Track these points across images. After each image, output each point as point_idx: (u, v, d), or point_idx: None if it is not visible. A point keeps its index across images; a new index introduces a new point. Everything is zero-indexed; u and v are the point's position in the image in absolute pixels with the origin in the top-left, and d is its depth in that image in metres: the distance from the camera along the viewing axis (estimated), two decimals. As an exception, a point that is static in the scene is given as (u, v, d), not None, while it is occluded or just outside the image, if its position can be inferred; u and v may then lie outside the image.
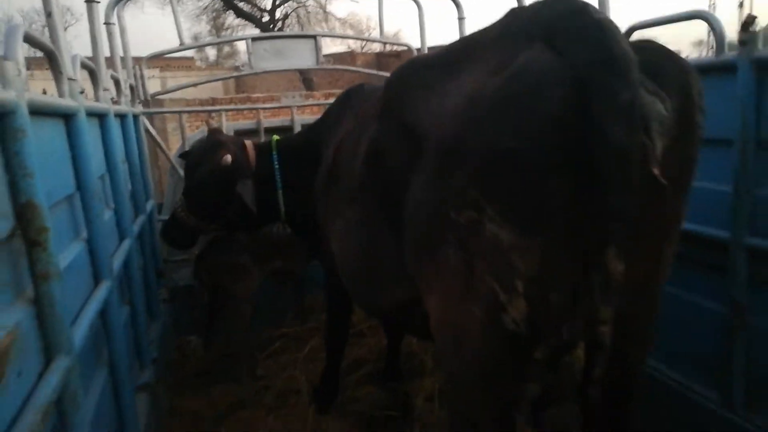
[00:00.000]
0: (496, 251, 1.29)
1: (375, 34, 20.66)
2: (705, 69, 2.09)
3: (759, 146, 1.94)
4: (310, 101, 4.83)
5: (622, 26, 2.47)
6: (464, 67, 1.47)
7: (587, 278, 1.26)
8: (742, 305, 2.02)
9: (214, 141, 2.96)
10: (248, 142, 3.00)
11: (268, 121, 4.42)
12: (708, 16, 2.06)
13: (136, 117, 3.44)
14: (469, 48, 1.54)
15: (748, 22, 1.90)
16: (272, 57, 4.17)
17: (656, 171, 1.23)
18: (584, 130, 1.18)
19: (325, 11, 24.57)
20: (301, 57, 4.17)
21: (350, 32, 24.38)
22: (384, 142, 1.74)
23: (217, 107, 5.38)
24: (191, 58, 29.34)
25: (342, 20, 25.73)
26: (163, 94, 4.39)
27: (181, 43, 4.01)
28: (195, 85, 4.61)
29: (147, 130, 3.80)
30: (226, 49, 31.26)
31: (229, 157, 2.78)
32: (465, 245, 1.35)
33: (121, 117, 2.92)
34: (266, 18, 23.33)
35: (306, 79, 19.02)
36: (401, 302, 1.85)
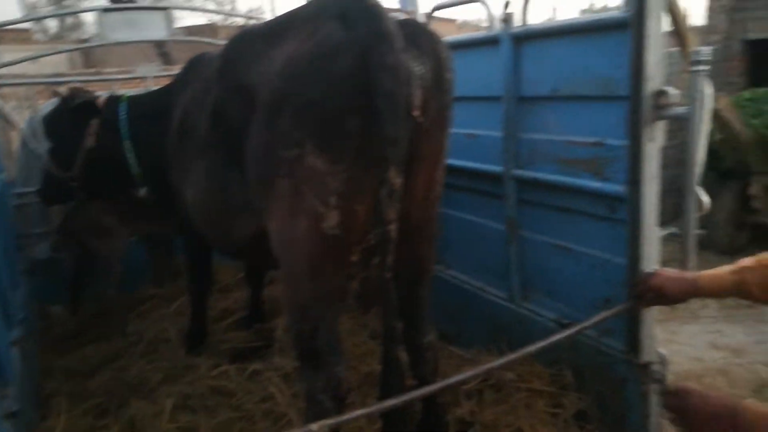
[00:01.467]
0: (314, 176, 1.76)
1: (237, 7, 20.20)
2: (477, 42, 2.70)
3: (519, 101, 2.57)
4: (167, 72, 4.79)
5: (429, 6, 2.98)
6: (285, 36, 1.91)
7: (379, 192, 1.76)
8: (514, 222, 2.69)
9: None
10: (103, 94, 3.21)
11: (123, 92, 4.47)
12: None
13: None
14: (288, 22, 1.98)
15: (507, 3, 2.51)
16: (123, 28, 4.22)
17: (416, 113, 1.75)
18: (367, 83, 1.66)
19: (181, -19, 23.30)
20: (153, 28, 4.27)
21: (211, 5, 23.49)
22: (225, 101, 2.12)
23: (68, 78, 5.27)
24: (27, 30, 26.32)
25: (198, -9, 24.57)
26: (11, 64, 4.26)
27: (26, 14, 3.95)
28: (43, 56, 4.52)
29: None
30: (70, 20, 28.43)
31: (66, 90, 3.01)
32: (293, 175, 1.80)
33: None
34: (115, -13, 21.61)
35: (163, 53, 18.09)
36: (251, 234, 2.25)
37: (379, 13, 1.70)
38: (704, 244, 5.86)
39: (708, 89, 3.80)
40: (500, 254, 2.79)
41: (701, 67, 1.78)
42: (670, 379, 1.79)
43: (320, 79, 1.71)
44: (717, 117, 4.85)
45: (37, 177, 3.46)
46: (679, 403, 1.37)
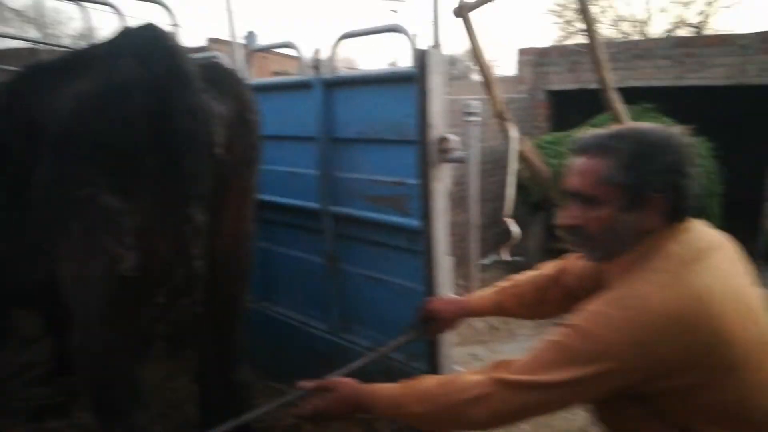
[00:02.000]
0: (109, 216, 1.70)
1: (71, 27, 18.66)
2: (293, 86, 2.83)
3: (332, 142, 2.72)
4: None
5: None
6: (79, 72, 1.84)
7: (182, 229, 1.75)
8: (333, 256, 2.81)
9: None
10: None
11: None
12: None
13: None
14: (84, 57, 1.92)
15: (317, 50, 2.67)
16: None
17: (218, 150, 1.78)
18: (163, 122, 1.66)
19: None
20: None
21: (31, 27, 21.28)
22: (11, 137, 1.97)
23: None
24: None
25: (18, 12, 22.16)
26: None
27: None
28: None
29: None
30: None
31: None
32: (86, 215, 1.72)
33: None
34: None
35: (-30, 76, 15.93)
36: (43, 280, 2.08)
37: (177, 53, 1.72)
38: (522, 269, 6.57)
39: (514, 133, 4.31)
40: (321, 288, 2.87)
41: (473, 118, 2.05)
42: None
43: (113, 117, 1.68)
44: (522, 157, 5.51)
45: None
46: (309, 412, 1.47)
